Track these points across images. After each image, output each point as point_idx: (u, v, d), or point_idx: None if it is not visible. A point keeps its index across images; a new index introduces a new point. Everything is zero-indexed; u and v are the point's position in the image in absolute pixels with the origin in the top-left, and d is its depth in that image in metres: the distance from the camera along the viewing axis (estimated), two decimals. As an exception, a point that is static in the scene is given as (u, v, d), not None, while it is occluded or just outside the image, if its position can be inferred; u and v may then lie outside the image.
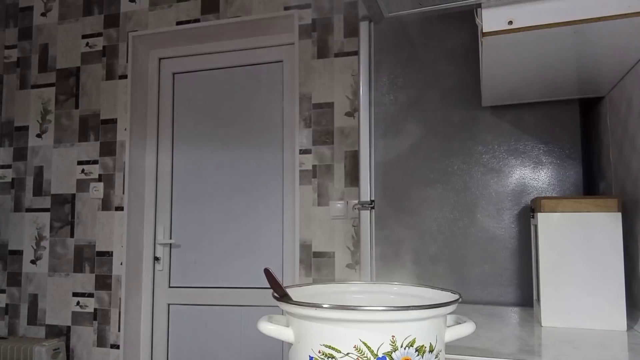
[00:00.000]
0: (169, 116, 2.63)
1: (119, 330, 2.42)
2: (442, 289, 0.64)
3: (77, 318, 2.49)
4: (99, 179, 2.53)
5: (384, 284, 0.72)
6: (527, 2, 0.84)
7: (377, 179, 1.40)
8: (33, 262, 2.59)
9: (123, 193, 2.48)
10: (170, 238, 2.57)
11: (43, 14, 2.72)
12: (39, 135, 2.65)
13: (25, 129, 2.68)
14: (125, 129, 2.51)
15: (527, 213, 1.27)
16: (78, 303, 2.49)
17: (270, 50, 2.50)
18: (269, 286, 0.59)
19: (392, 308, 0.51)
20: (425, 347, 0.53)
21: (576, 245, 0.97)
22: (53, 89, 2.65)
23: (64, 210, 2.57)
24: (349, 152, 2.18)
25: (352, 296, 0.72)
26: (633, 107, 1.01)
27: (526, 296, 1.25)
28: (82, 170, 2.56)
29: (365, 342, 0.51)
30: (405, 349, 0.52)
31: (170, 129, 2.62)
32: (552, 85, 1.14)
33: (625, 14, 0.78)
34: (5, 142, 2.71)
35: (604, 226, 0.96)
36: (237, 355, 2.40)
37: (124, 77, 2.54)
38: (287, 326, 0.57)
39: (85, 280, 2.50)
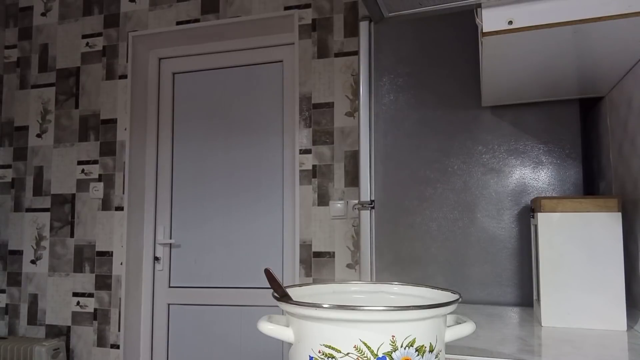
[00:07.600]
0: (169, 116, 2.63)
1: (119, 330, 2.42)
2: (442, 289, 0.64)
3: (77, 318, 2.49)
4: (99, 179, 2.53)
5: (384, 284, 0.71)
6: (527, 2, 0.84)
7: (377, 179, 1.40)
8: (33, 262, 2.59)
9: (123, 193, 2.48)
10: (170, 238, 2.57)
11: (43, 14, 2.72)
12: (39, 135, 2.65)
13: (25, 129, 2.68)
14: (125, 129, 2.51)
15: (527, 213, 1.27)
16: (78, 303, 2.49)
17: (270, 50, 2.50)
18: (269, 286, 0.59)
19: (392, 308, 0.51)
20: (425, 347, 0.53)
21: (576, 245, 0.97)
22: (53, 89, 2.65)
23: (64, 210, 2.57)
24: (349, 152, 2.18)
25: (352, 296, 0.72)
26: (633, 107, 1.01)
27: (526, 296, 1.25)
28: (82, 170, 2.56)
29: (365, 342, 0.51)
30: (405, 349, 0.52)
31: (170, 129, 2.62)
32: (552, 85, 1.14)
33: (625, 14, 0.78)
34: (5, 142, 2.71)
35: (604, 226, 0.96)
36: (237, 355, 2.40)
37: (124, 77, 2.54)
38: (287, 326, 0.57)
39: (85, 280, 2.50)
